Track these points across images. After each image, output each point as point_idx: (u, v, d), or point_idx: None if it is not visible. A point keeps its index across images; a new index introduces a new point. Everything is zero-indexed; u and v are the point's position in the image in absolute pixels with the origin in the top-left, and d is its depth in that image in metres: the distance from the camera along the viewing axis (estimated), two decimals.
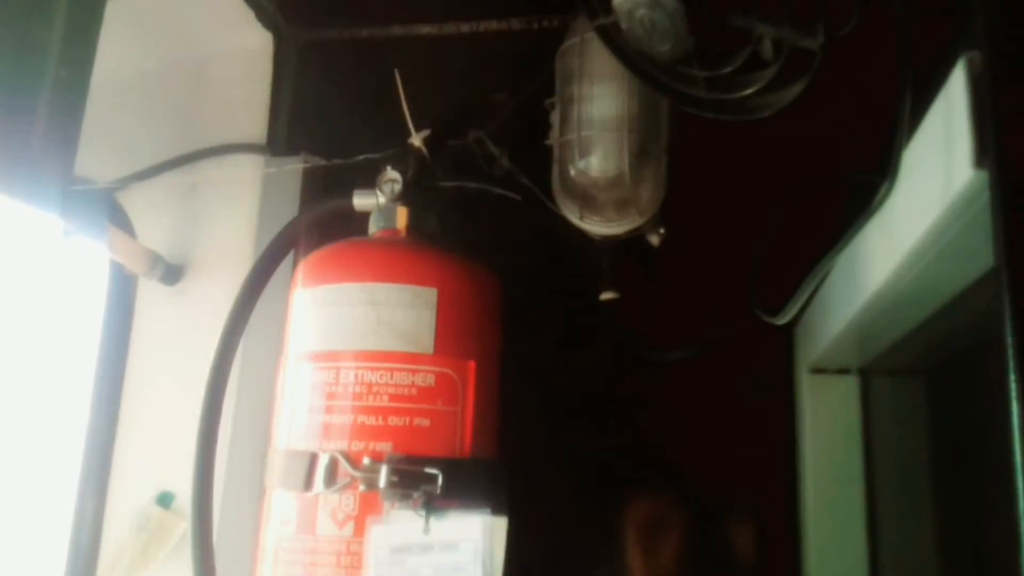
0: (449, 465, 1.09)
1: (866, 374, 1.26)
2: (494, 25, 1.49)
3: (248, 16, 1.49)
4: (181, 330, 1.47)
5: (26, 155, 1.19)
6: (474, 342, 1.18)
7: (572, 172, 1.32)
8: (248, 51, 1.54)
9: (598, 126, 1.29)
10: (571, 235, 1.37)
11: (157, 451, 1.44)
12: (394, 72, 1.47)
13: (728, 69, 0.88)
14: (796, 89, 0.87)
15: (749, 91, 0.89)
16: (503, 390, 1.24)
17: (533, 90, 1.35)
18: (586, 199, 1.33)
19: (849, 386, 1.20)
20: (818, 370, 1.24)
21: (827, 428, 1.20)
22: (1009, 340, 0.60)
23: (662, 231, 1.38)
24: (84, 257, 1.51)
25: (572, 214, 1.35)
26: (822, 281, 1.09)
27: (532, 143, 1.39)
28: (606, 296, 1.39)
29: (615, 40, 0.93)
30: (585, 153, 1.30)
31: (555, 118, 1.37)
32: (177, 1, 1.41)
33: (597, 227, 1.35)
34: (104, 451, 1.48)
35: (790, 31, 0.82)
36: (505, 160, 1.42)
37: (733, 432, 1.33)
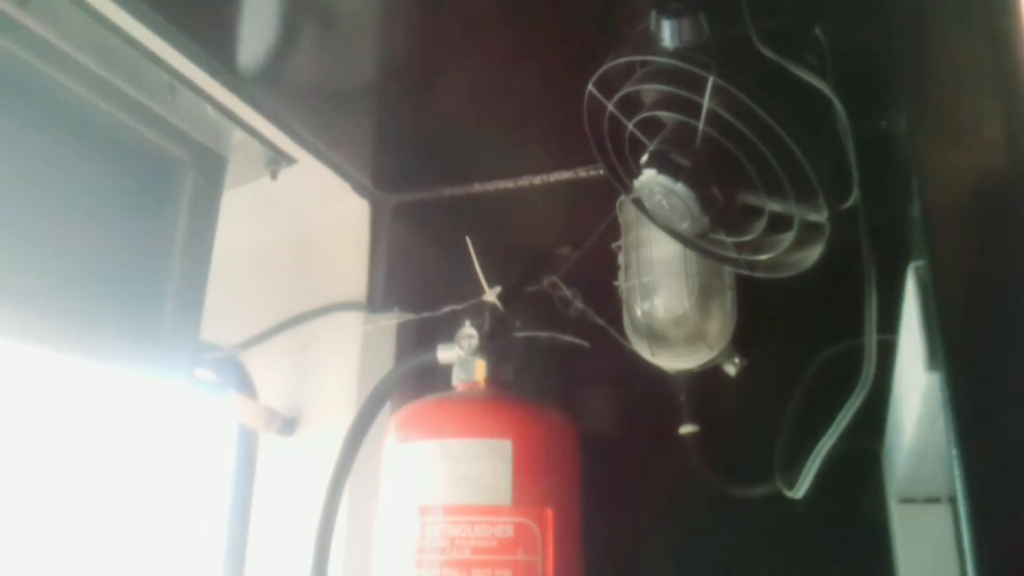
0: None
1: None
2: (564, 176, 1.60)
3: (345, 188, 1.66)
4: (298, 478, 1.61)
5: (157, 338, 1.38)
6: (552, 490, 1.23)
7: (639, 313, 1.37)
8: (347, 218, 1.71)
9: (660, 270, 1.35)
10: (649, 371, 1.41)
11: None
12: (476, 224, 1.59)
13: (749, 237, 0.93)
14: (816, 252, 0.91)
15: (773, 254, 0.93)
16: (586, 535, 1.28)
17: (597, 240, 1.43)
18: (656, 336, 1.38)
19: (940, 517, 1.16)
20: (906, 500, 1.20)
21: (920, 563, 1.16)
22: None
23: (737, 360, 1.40)
24: (214, 417, 1.69)
25: (644, 351, 1.40)
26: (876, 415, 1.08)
27: (605, 282, 1.46)
28: (686, 430, 1.41)
29: (649, 211, 1.00)
30: (649, 296, 1.36)
31: (621, 261, 1.44)
32: (283, 183, 1.59)
33: (669, 362, 1.39)
34: None
35: (796, 207, 0.86)
36: (579, 302, 1.50)
37: (826, 568, 1.30)
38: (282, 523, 1.59)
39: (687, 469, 1.39)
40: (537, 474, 1.22)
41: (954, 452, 0.65)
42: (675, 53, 0.83)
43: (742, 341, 1.38)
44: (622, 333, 1.42)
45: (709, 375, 1.41)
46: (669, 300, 1.34)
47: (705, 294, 1.34)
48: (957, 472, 0.63)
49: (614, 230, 1.47)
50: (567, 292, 1.51)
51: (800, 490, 1.07)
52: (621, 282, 1.43)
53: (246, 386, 1.70)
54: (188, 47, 1.26)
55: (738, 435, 1.44)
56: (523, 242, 1.63)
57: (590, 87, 0.95)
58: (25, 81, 1.18)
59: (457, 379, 1.36)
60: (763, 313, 1.38)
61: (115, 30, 1.19)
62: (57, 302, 1.25)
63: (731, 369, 1.40)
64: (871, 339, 0.90)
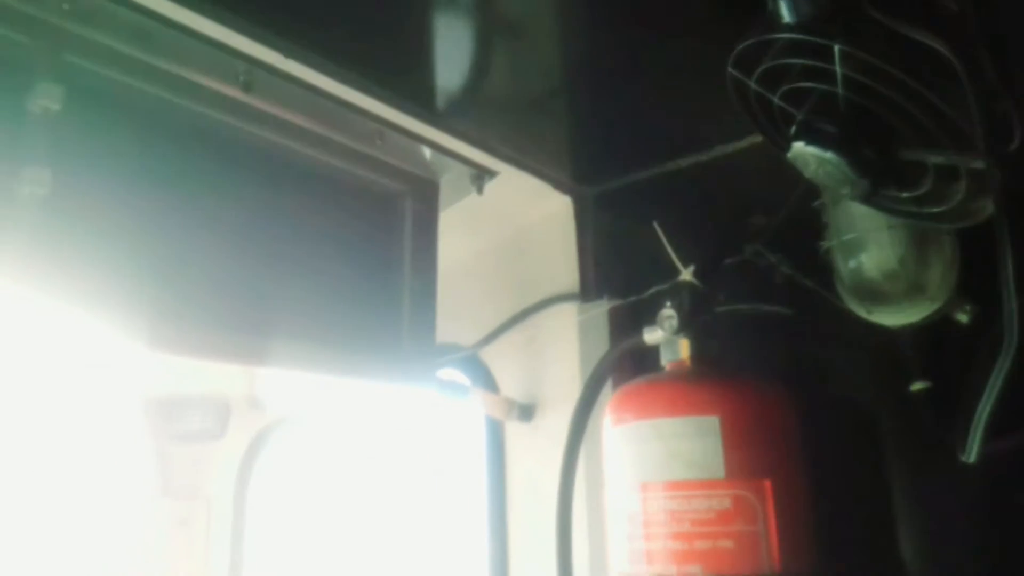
0: None
1: None
2: (757, 139, 1.56)
3: (546, 188, 1.76)
4: (541, 459, 1.75)
5: (398, 351, 1.57)
6: (767, 461, 1.24)
7: (848, 272, 1.32)
8: (553, 215, 1.81)
9: (862, 225, 1.29)
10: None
11: (541, 565, 1.71)
12: (674, 202, 1.62)
13: (923, 191, 0.88)
14: (990, 204, 0.84)
15: (952, 204, 0.87)
16: (818, 503, 1.27)
17: (797, 201, 1.39)
18: (869, 294, 1.32)
19: None
20: None
21: None
22: None
23: (968, 308, 1.30)
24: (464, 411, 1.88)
25: (859, 310, 1.34)
26: None
27: (811, 245, 1.42)
28: (917, 387, 1.34)
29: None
30: (855, 253, 1.30)
31: (825, 219, 1.39)
32: (491, 195, 1.73)
33: (888, 319, 1.32)
34: (503, 565, 1.80)
35: (956, 156, 0.80)
36: (785, 267, 1.47)
37: None
38: (531, 500, 1.74)
39: (921, 427, 1.32)
40: (749, 447, 1.24)
41: None
42: (797, 27, 0.81)
43: (976, 286, 1.28)
44: (835, 294, 1.38)
45: (938, 326, 1.32)
46: (877, 255, 1.28)
47: (919, 243, 1.26)
48: None
49: (815, 189, 1.42)
50: (772, 259, 1.48)
51: (971, 454, 0.99)
52: (827, 240, 1.38)
53: (488, 380, 1.88)
54: (391, 98, 1.43)
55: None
56: (721, 214, 1.62)
57: (729, 69, 0.95)
58: (258, 150, 1.42)
59: (664, 360, 1.41)
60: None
61: (327, 96, 1.39)
62: (320, 332, 1.48)
63: (963, 317, 1.31)
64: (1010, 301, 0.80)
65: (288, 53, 1.29)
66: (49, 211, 1.16)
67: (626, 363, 1.58)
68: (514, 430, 1.82)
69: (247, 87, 1.34)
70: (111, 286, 1.22)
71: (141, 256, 1.25)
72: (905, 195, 0.93)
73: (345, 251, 1.54)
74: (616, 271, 1.73)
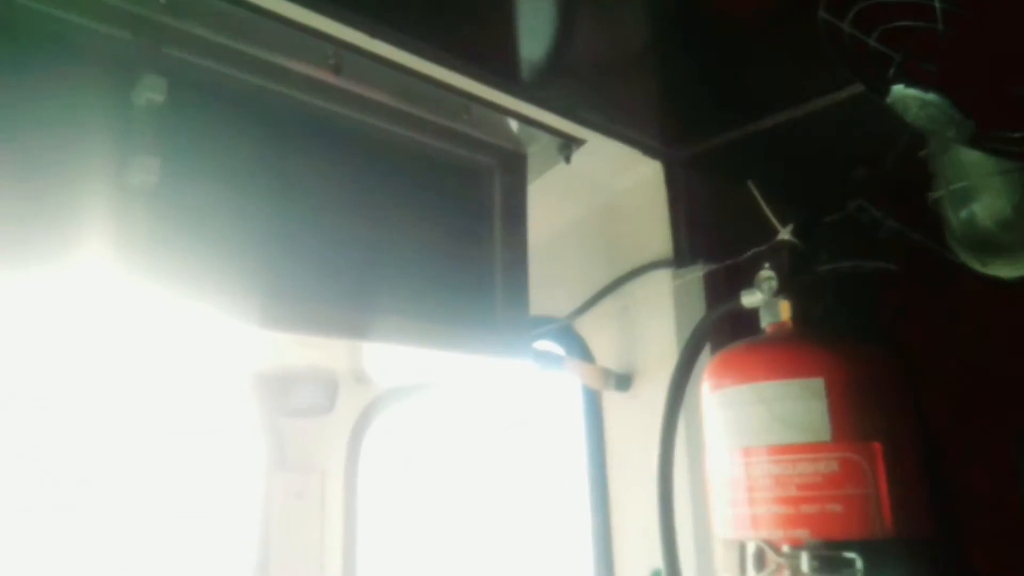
0: (868, 547, 1.12)
1: None
2: (855, 90, 1.49)
3: (635, 154, 1.74)
4: (640, 428, 1.74)
5: (493, 323, 1.59)
6: (876, 423, 1.20)
7: (959, 222, 1.25)
8: (643, 181, 1.78)
9: (973, 171, 1.22)
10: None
11: (644, 531, 1.71)
12: (767, 161, 1.57)
13: None
14: None
15: None
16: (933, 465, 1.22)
17: (900, 151, 1.32)
18: (983, 245, 1.25)
19: None
20: None
21: None
22: None
23: None
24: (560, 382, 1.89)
25: (973, 263, 1.27)
26: None
27: (918, 197, 1.35)
28: None
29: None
30: (966, 202, 1.23)
31: (932, 168, 1.32)
32: (579, 164, 1.72)
33: (1005, 271, 1.25)
34: (605, 534, 1.80)
35: None
36: (891, 221, 1.40)
37: None
38: (631, 469, 1.73)
39: None
40: (856, 409, 1.20)
41: None
42: None
43: None
44: (946, 248, 1.31)
45: None
46: (990, 203, 1.21)
47: None
48: None
49: (919, 138, 1.34)
50: (877, 214, 1.42)
51: None
52: (937, 190, 1.31)
53: (583, 350, 1.87)
54: (476, 71, 1.44)
55: None
56: (818, 170, 1.56)
57: (821, 13, 0.91)
58: (350, 132, 1.45)
59: (764, 322, 1.38)
60: None
61: (414, 73, 1.41)
62: (416, 307, 1.51)
63: None
64: None
65: (374, 33, 1.31)
66: (159, 199, 1.22)
67: (723, 328, 1.54)
68: (611, 399, 1.82)
69: (337, 69, 1.37)
70: (221, 269, 1.28)
71: (247, 239, 1.31)
72: (1017, 135, 0.87)
73: (437, 227, 1.56)
74: (710, 235, 1.69)
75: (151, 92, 1.18)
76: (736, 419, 1.28)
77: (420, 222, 1.54)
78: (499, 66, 1.45)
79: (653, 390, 1.70)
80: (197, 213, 1.27)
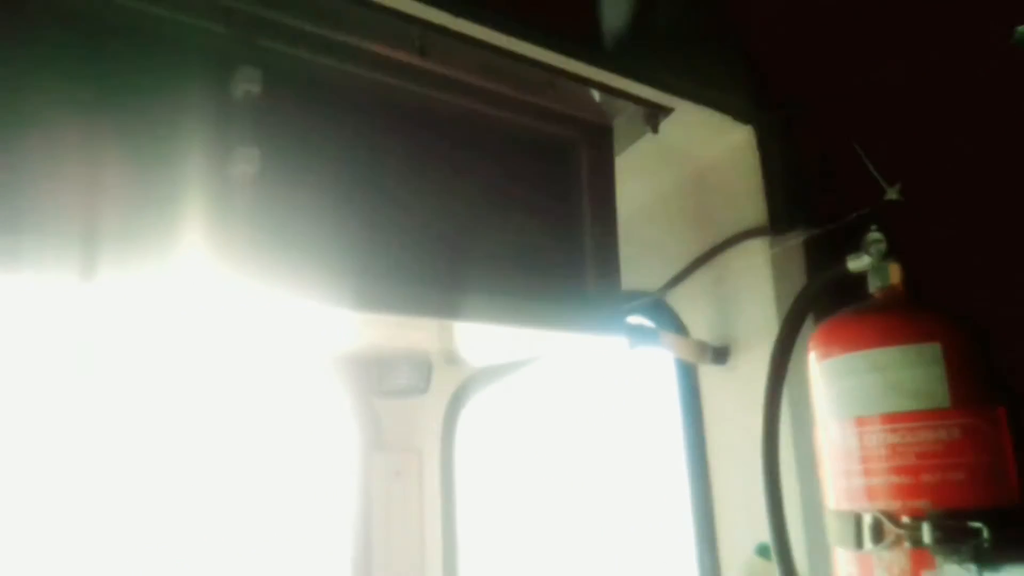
0: (994, 516, 1.07)
1: None
2: None
3: (725, 120, 1.69)
4: (740, 400, 1.70)
5: (584, 300, 1.58)
6: (997, 388, 1.14)
7: None
8: (734, 147, 1.73)
9: None
10: None
11: (746, 506, 1.68)
12: (871, 120, 1.51)
13: None
14: None
15: None
16: None
17: None
18: None
19: None
20: None
21: None
22: None
23: None
24: (653, 357, 1.86)
25: None
26: None
27: None
28: None
29: None
30: None
31: None
32: (667, 133, 1.68)
33: None
34: (706, 509, 1.78)
35: None
36: None
37: None
38: (732, 443, 1.70)
39: None
40: (976, 373, 1.14)
41: None
42: None
43: None
44: None
45: None
46: None
47: None
48: None
49: None
50: None
51: None
52: None
53: (676, 324, 1.84)
54: (558, 43, 1.42)
55: None
56: (924, 129, 1.49)
57: None
58: (438, 113, 1.46)
59: (873, 287, 1.32)
60: None
61: (497, 49, 1.41)
62: (507, 285, 1.51)
63: None
64: None
65: (458, 12, 1.31)
66: (259, 188, 1.25)
67: (825, 296, 1.49)
68: (708, 373, 1.78)
69: (423, 51, 1.38)
70: (317, 254, 1.31)
71: (342, 223, 1.33)
72: None
73: (525, 203, 1.56)
74: (808, 200, 1.63)
75: (248, 83, 1.21)
76: (848, 389, 1.23)
77: (509, 200, 1.54)
78: (582, 36, 1.43)
79: (752, 362, 1.66)
80: (294, 200, 1.30)
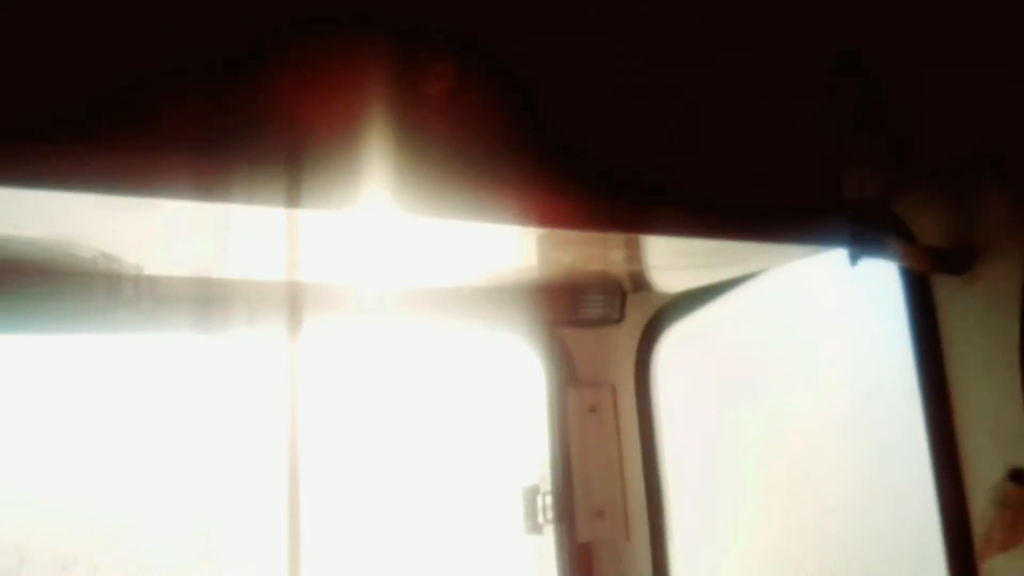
0: None
1: None
2: None
3: None
4: (984, 314, 1.49)
5: (802, 210, 1.42)
6: None
7: None
8: None
9: None
10: None
11: (992, 430, 1.48)
12: None
13: None
14: None
15: None
16: None
17: None
18: None
19: None
20: None
21: None
22: None
23: None
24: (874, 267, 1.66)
25: None
26: None
27: None
28: None
29: None
30: None
31: None
32: None
33: None
34: (946, 435, 1.58)
35: None
36: None
37: None
38: (976, 369, 1.50)
39: None
40: None
41: None
42: None
43: None
44: None
45: None
46: None
47: None
48: None
49: None
50: None
51: None
52: None
53: (902, 230, 1.63)
54: None
55: None
56: None
57: None
58: None
59: None
60: None
61: None
62: (723, 196, 1.39)
63: None
64: None
65: None
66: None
67: None
68: (943, 284, 1.57)
69: None
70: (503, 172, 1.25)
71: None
72: None
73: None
74: None
75: None
76: None
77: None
78: None
79: (1000, 269, 1.45)
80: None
